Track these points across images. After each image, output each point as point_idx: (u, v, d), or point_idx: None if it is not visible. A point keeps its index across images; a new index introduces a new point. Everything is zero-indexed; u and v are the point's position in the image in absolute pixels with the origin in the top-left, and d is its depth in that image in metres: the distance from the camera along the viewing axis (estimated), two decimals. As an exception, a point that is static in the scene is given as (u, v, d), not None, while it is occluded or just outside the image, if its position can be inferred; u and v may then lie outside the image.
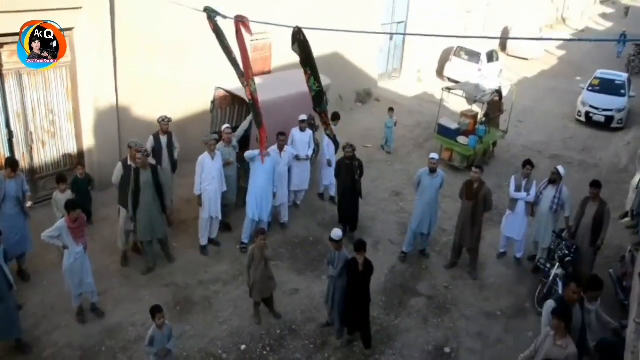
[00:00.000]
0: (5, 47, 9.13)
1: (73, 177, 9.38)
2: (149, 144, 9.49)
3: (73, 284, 7.65)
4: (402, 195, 12.05)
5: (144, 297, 8.35)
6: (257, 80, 12.07)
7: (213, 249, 9.66)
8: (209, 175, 9.26)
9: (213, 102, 10.71)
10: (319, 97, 9.68)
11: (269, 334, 8.00)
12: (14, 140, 9.67)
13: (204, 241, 9.60)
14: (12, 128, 9.59)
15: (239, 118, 11.43)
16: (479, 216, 9.40)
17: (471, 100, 14.65)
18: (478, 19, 23.86)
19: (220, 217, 9.65)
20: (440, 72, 21.66)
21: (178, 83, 11.65)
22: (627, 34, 24.58)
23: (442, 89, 14.50)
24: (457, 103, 16.19)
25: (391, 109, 14.28)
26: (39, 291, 8.33)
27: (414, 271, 9.65)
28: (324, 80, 12.33)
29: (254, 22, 8.88)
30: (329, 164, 10.81)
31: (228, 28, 8.48)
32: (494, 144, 14.43)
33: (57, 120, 10.21)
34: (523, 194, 9.62)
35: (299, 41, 8.94)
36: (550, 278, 8.74)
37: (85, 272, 7.69)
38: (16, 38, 9.01)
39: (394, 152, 14.04)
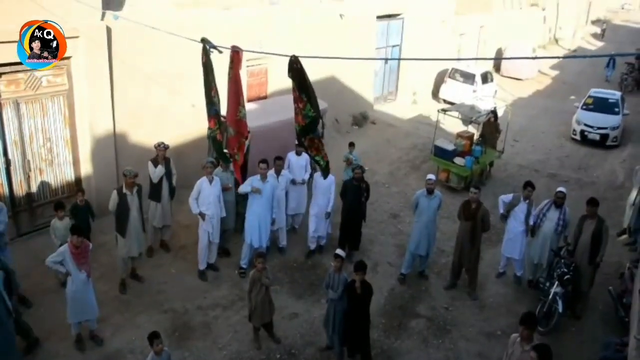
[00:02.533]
0: (3, 77, 9.23)
1: (73, 204, 9.38)
2: (150, 170, 9.52)
3: (74, 311, 7.62)
4: (400, 217, 12.06)
5: (142, 324, 8.29)
6: (254, 105, 12.29)
7: (212, 274, 9.63)
8: (206, 199, 9.28)
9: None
10: (314, 123, 9.78)
11: (269, 359, 7.93)
12: (12, 168, 9.69)
13: (202, 266, 9.58)
14: (10, 156, 9.62)
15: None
16: (478, 236, 9.40)
17: (467, 121, 14.79)
18: (472, 41, 24.16)
19: (218, 242, 9.64)
20: (435, 94, 21.86)
21: (175, 110, 11.75)
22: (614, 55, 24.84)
23: (438, 111, 14.61)
24: (452, 124, 16.31)
25: (351, 144, 12.32)
26: (37, 318, 8.24)
27: (414, 293, 9.61)
28: (320, 104, 12.46)
29: (250, 51, 9.07)
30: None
31: (222, 58, 8.61)
32: (491, 163, 14.50)
33: (54, 147, 10.26)
34: (504, 205, 9.87)
35: (295, 70, 9.08)
36: (550, 296, 8.71)
37: (88, 299, 7.66)
38: (13, 67, 9.17)
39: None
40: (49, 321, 8.12)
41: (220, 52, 8.94)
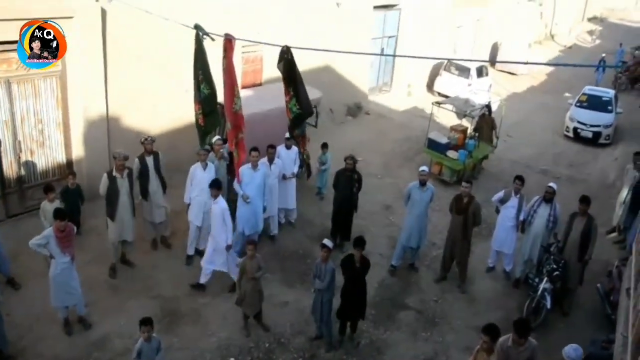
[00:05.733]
0: (-4, 58, 9.12)
1: (63, 187, 9.32)
2: (135, 167, 9.23)
3: (58, 295, 7.58)
4: (392, 208, 12.08)
5: (131, 309, 8.27)
6: (248, 92, 12.22)
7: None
8: (198, 185, 9.24)
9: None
10: (298, 119, 9.76)
11: (258, 347, 7.96)
12: (2, 148, 9.60)
13: (190, 250, 9.58)
14: (0, 136, 9.52)
15: (223, 129, 11.38)
16: (469, 230, 9.44)
17: (461, 114, 14.78)
18: (468, 34, 24.10)
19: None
20: (430, 87, 21.83)
21: (169, 93, 11.66)
22: (606, 57, 24.90)
23: (432, 104, 14.59)
24: (446, 117, 16.32)
25: (325, 145, 11.86)
26: (25, 301, 8.23)
27: (404, 285, 9.65)
28: (315, 93, 12.45)
29: (244, 40, 9.00)
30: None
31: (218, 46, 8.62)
32: (484, 157, 14.52)
33: (46, 129, 10.16)
34: (497, 202, 9.92)
35: (286, 60, 9.02)
36: (539, 292, 8.78)
37: (72, 283, 7.61)
38: (6, 46, 9.03)
39: (325, 197, 11.95)
40: (37, 304, 8.08)
41: (213, 39, 8.89)
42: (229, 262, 8.74)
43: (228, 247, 8.56)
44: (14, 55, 9.23)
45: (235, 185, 9.35)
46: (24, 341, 7.59)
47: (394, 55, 19.26)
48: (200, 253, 9.66)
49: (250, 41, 10.05)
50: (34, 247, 7.34)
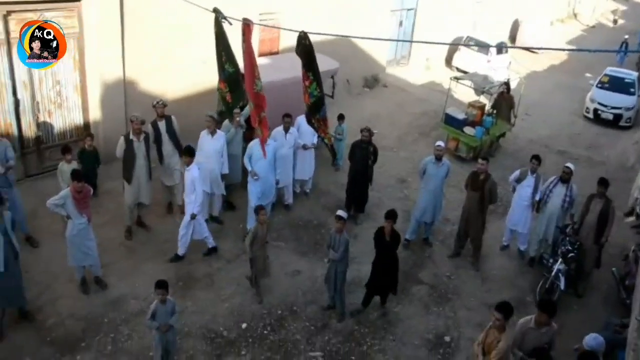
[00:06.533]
0: (13, 15, 9.05)
1: (80, 149, 9.35)
2: (150, 132, 9.20)
3: (76, 255, 7.67)
4: (406, 182, 12.02)
5: (147, 271, 8.37)
6: (265, 60, 12.12)
7: (216, 227, 9.64)
8: (204, 152, 9.22)
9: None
10: (318, 103, 9.80)
11: (270, 314, 8.03)
12: (20, 108, 9.62)
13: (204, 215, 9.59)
14: (19, 96, 9.53)
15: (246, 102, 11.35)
16: (484, 208, 9.37)
17: (479, 91, 14.59)
18: (489, 9, 23.63)
19: (220, 194, 9.61)
20: (449, 62, 21.52)
21: (185, 60, 11.57)
22: (629, 38, 24.32)
23: (450, 79, 14.41)
24: (464, 93, 16.11)
25: (341, 116, 11.92)
26: (43, 259, 8.35)
27: (417, 259, 9.65)
28: (332, 64, 12.31)
29: (262, 24, 9.01)
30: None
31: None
32: (501, 135, 14.37)
33: (64, 90, 10.15)
34: (513, 181, 9.76)
35: (304, 46, 9.13)
36: (553, 273, 8.74)
37: (88, 244, 7.69)
38: (23, 6, 8.97)
39: (341, 169, 11.88)
40: (55, 262, 8.20)
41: (231, 24, 9.05)
42: (197, 229, 8.73)
43: (192, 216, 8.50)
44: (32, 15, 9.22)
45: (245, 161, 9.27)
46: (42, 298, 7.71)
47: (411, 42, 18.95)
48: (214, 219, 9.72)
49: (266, 26, 10.04)
50: (52, 207, 7.40)
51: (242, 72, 9.61)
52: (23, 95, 9.58)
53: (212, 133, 9.23)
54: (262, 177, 9.25)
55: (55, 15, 9.47)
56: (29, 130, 9.84)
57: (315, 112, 9.98)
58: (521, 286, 9.28)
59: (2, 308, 7.05)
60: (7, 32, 9.07)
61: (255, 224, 7.99)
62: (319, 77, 9.46)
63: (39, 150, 10.06)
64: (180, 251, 8.76)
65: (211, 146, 9.20)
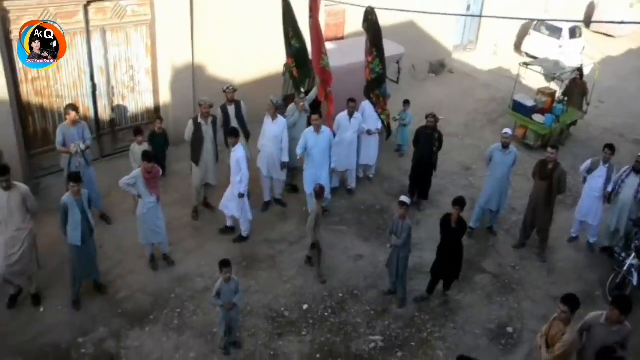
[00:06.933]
0: (92, 5, 9.46)
1: (151, 131, 9.71)
2: (218, 116, 9.43)
3: (146, 233, 8.01)
4: (471, 170, 11.79)
5: (212, 251, 8.61)
6: (330, 45, 12.13)
7: (279, 210, 9.81)
8: (265, 136, 9.37)
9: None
10: (379, 80, 9.75)
11: (331, 297, 8.12)
12: (97, 93, 10.08)
13: (266, 197, 9.80)
14: (96, 81, 9.98)
15: (312, 81, 11.40)
16: (552, 198, 9.07)
17: (550, 77, 14.08)
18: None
19: (282, 179, 9.71)
20: (518, 47, 20.78)
21: (252, 46, 11.75)
22: None
23: (520, 64, 13.94)
24: (534, 79, 15.56)
25: (406, 102, 11.77)
26: (115, 236, 8.76)
27: (480, 248, 9.49)
28: (397, 49, 12.17)
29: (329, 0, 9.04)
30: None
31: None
32: (573, 123, 13.82)
33: (136, 75, 10.56)
34: (584, 171, 9.42)
35: (370, 21, 9.12)
36: (625, 268, 8.39)
37: (158, 222, 8.00)
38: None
39: (405, 154, 11.83)
40: (126, 239, 8.59)
41: None
42: (242, 209, 8.77)
43: (240, 195, 8.58)
44: (109, 4, 9.61)
45: (299, 149, 9.24)
46: (114, 273, 8.11)
47: (480, 17, 18.38)
48: (278, 201, 9.89)
49: (334, 1, 10.00)
50: (124, 187, 7.74)
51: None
52: (99, 80, 10.03)
53: (273, 118, 9.34)
54: (316, 164, 9.26)
55: (129, 4, 9.89)
56: (105, 113, 10.31)
57: (376, 88, 9.93)
58: (589, 280, 8.96)
59: (79, 280, 7.47)
60: (87, 21, 9.51)
61: (317, 206, 8.05)
62: (382, 54, 9.39)
63: (113, 132, 10.53)
64: (228, 222, 9.01)
65: (271, 131, 9.32)
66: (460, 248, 7.86)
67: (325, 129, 9.27)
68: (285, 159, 9.47)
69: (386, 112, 10.38)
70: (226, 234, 9.09)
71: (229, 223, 9.07)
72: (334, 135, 9.69)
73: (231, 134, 8.54)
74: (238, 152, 8.45)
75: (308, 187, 9.31)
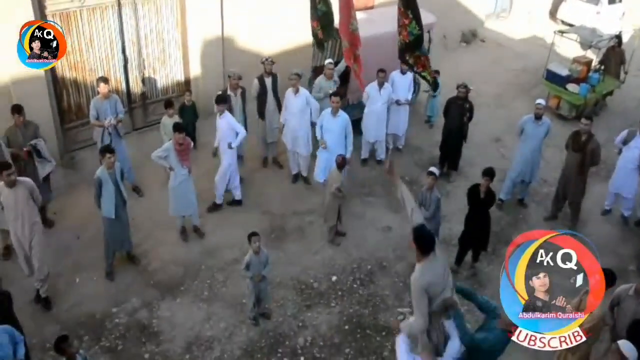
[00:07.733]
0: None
1: (181, 104, 9.80)
2: (254, 87, 9.46)
3: (177, 204, 8.16)
4: (502, 141, 11.61)
5: (241, 223, 8.69)
6: (360, 15, 11.93)
7: (304, 185, 9.88)
8: (289, 110, 9.34)
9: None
10: (418, 40, 9.55)
11: (360, 269, 8.18)
12: (129, 66, 10.17)
13: (294, 170, 9.87)
14: (127, 54, 10.07)
15: (339, 46, 11.28)
16: (585, 170, 8.92)
17: (586, 45, 13.64)
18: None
19: (304, 154, 9.65)
20: (553, 14, 20.12)
21: (282, 18, 11.63)
22: None
23: (554, 32, 13.56)
24: (570, 48, 15.07)
25: (436, 72, 11.13)
26: (147, 208, 8.93)
27: (510, 220, 9.40)
28: (429, 18, 11.92)
29: None
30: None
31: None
32: (609, 93, 13.42)
33: (167, 48, 10.59)
34: (620, 142, 9.22)
35: None
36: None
37: (189, 195, 8.14)
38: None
39: (435, 125, 11.70)
40: (157, 211, 8.74)
41: None
42: (229, 177, 8.89)
43: (229, 146, 8.60)
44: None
45: (317, 129, 9.16)
46: (146, 245, 8.31)
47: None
48: (304, 179, 9.92)
49: None
50: (156, 159, 7.88)
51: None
52: (131, 52, 10.11)
53: (296, 91, 9.29)
54: (329, 149, 9.08)
55: (158, -24, 9.87)
56: (136, 86, 10.42)
57: (415, 48, 9.75)
58: (623, 254, 8.81)
59: (113, 251, 7.69)
60: (118, -6, 9.56)
61: (335, 177, 8.13)
62: (418, 15, 9.20)
63: (144, 104, 10.65)
64: (218, 200, 9.07)
65: (295, 105, 9.28)
66: (488, 219, 7.81)
67: (342, 112, 9.10)
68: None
69: (428, 69, 10.21)
70: (214, 211, 9.11)
71: (219, 201, 9.15)
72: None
73: (218, 101, 8.49)
74: (228, 117, 8.51)
75: (320, 174, 9.24)
